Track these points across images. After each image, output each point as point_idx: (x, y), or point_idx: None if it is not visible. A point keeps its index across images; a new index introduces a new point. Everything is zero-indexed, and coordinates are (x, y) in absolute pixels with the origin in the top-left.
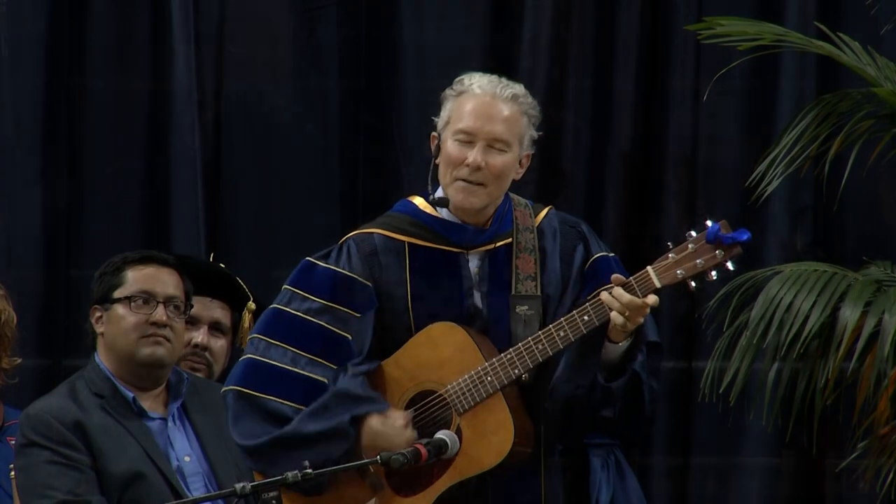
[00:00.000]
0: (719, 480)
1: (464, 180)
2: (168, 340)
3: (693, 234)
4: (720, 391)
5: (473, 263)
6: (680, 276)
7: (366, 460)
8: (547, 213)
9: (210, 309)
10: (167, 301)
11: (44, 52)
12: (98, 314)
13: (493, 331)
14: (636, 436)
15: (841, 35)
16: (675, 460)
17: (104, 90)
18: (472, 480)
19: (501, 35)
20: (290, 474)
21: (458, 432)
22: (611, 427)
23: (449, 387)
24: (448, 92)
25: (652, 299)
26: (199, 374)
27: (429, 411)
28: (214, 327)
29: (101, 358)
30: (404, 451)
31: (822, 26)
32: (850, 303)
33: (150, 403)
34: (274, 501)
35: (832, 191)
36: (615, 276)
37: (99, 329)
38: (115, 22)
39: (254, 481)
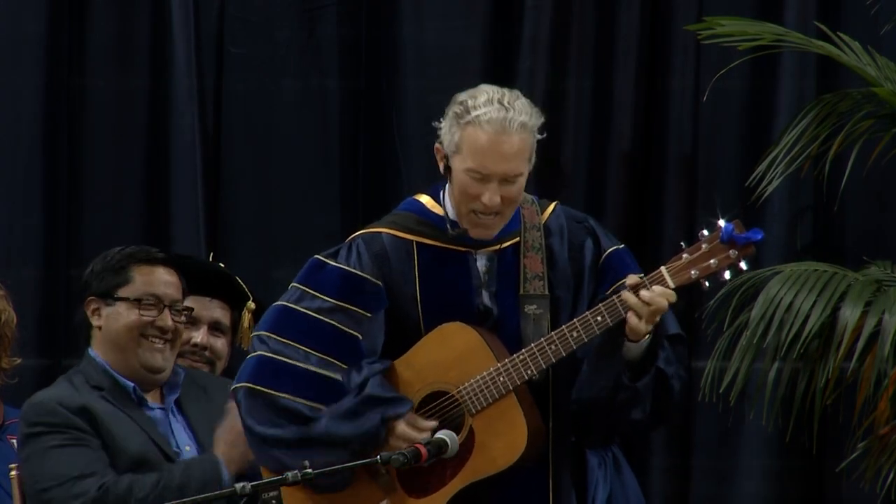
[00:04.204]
0: (719, 480)
1: (480, 213)
2: (169, 345)
3: (706, 233)
4: (720, 391)
5: (481, 263)
6: (694, 277)
7: (365, 460)
8: (553, 210)
9: (210, 309)
10: (172, 305)
11: (44, 52)
12: (95, 306)
13: (503, 330)
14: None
15: (841, 35)
16: (675, 460)
17: (104, 90)
18: (484, 481)
19: (501, 35)
20: (290, 474)
21: (471, 433)
22: (642, 428)
23: (461, 387)
24: (452, 113)
25: (671, 296)
26: None
27: (441, 412)
28: (214, 327)
29: (97, 352)
30: (404, 451)
31: (822, 26)
32: (850, 303)
33: (149, 395)
34: (274, 501)
35: (832, 191)
36: (630, 277)
37: (96, 322)
38: (115, 22)
39: (254, 480)
